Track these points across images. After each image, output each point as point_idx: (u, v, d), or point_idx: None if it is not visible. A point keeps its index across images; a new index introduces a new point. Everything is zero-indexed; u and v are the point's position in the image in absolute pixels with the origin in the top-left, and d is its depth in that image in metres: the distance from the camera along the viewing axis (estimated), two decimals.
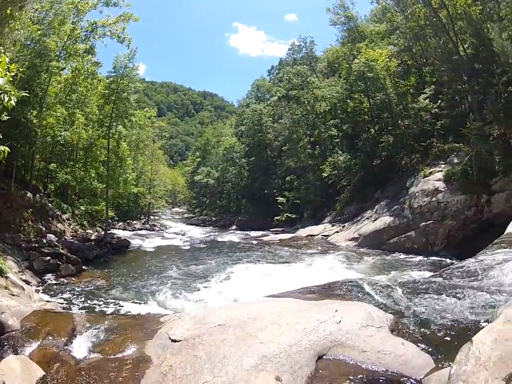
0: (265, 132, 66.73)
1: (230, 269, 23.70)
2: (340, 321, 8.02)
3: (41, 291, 18.20)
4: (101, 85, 38.17)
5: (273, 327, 7.83)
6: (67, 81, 36.01)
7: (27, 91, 9.90)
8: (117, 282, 20.97)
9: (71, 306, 16.32)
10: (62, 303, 16.21)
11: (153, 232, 51.54)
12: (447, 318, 9.13)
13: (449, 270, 14.72)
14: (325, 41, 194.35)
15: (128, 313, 14.83)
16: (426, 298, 10.65)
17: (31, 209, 27.46)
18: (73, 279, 21.25)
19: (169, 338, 7.95)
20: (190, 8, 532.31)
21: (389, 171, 39.27)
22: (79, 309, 15.78)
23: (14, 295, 11.88)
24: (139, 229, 52.39)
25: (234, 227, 60.72)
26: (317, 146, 54.86)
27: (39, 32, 28.37)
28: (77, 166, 38.92)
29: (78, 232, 33.24)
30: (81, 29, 33.44)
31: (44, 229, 27.40)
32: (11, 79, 5.43)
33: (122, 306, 16.40)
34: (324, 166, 46.90)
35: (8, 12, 14.95)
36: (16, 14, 20.22)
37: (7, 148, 5.64)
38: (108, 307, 16.30)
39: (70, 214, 35.57)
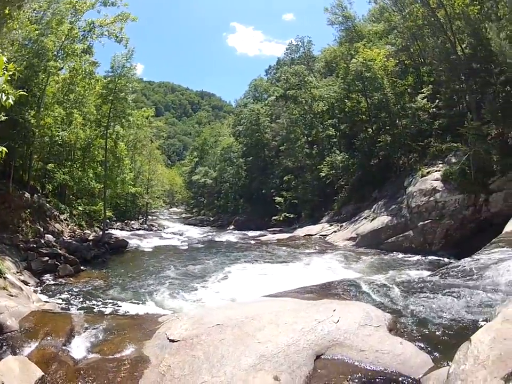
0: (263, 131, 66.84)
1: (227, 268, 23.66)
2: (338, 320, 8.04)
3: (39, 291, 18.17)
4: (98, 85, 38.03)
5: (271, 326, 7.85)
6: (65, 81, 35.95)
7: (25, 90, 9.87)
8: (115, 282, 20.93)
9: (70, 306, 16.27)
10: (60, 304, 16.17)
11: (151, 232, 51.53)
12: (445, 317, 9.14)
13: (447, 270, 14.75)
14: (322, 40, 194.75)
15: (127, 314, 14.80)
16: (424, 297, 10.67)
17: (29, 210, 27.41)
18: (71, 279, 21.19)
19: (168, 338, 7.97)
20: (187, 8, 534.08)
21: (386, 171, 39.29)
22: (77, 309, 15.73)
23: (12, 296, 11.88)
24: (137, 229, 52.42)
25: (232, 227, 60.77)
26: (315, 146, 54.85)
27: (37, 32, 28.36)
28: (75, 166, 38.84)
29: (76, 233, 33.19)
30: (79, 28, 33.36)
31: (41, 229, 27.38)
32: (9, 78, 5.43)
33: (120, 306, 16.36)
34: (322, 166, 46.96)
35: (7, 11, 14.97)
36: (15, 13, 20.22)
37: (4, 148, 5.63)
38: (106, 307, 16.26)
39: (68, 214, 35.53)
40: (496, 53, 27.76)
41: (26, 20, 27.68)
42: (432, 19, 36.78)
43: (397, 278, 17.02)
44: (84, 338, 8.51)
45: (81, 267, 23.59)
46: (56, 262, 22.33)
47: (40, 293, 17.71)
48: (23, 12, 25.65)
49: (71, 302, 17.02)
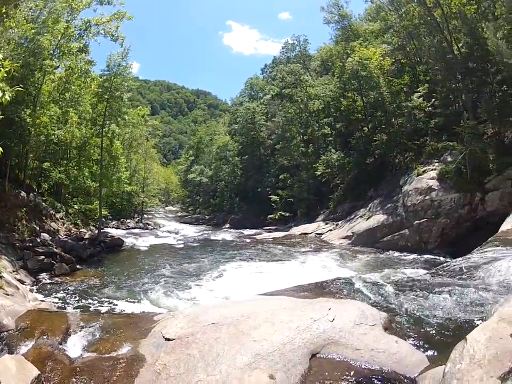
0: (259, 130, 66.86)
1: (222, 267, 23.77)
2: (334, 319, 8.07)
3: (35, 290, 18.16)
4: (94, 84, 38.09)
5: (267, 325, 7.88)
6: (61, 80, 35.96)
7: (21, 86, 9.87)
8: (110, 281, 20.94)
9: (66, 305, 16.30)
10: (56, 302, 16.22)
11: (147, 230, 51.55)
12: (440, 316, 9.17)
13: (443, 268, 14.87)
14: (318, 39, 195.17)
15: (122, 312, 14.83)
16: (420, 296, 10.67)
17: (25, 209, 27.42)
18: (67, 278, 21.20)
19: (163, 337, 7.99)
20: (183, 7, 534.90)
21: (382, 169, 39.38)
22: (73, 308, 15.75)
23: (8, 295, 11.88)
24: (132, 228, 52.42)
25: (227, 225, 60.67)
26: (310, 144, 54.87)
27: (33, 30, 28.35)
28: (71, 164, 38.73)
29: (72, 231, 33.12)
30: (75, 27, 33.37)
31: (37, 228, 27.34)
32: (5, 74, 5.41)
33: (116, 305, 16.39)
34: (317, 164, 46.94)
35: (4, 10, 14.96)
36: (11, 12, 20.20)
37: (0, 148, 5.61)
38: (102, 306, 16.29)
39: (64, 213, 35.46)
40: (492, 52, 27.85)
41: (23, 18, 27.68)
42: (429, 18, 36.80)
43: (393, 277, 17.03)
44: (79, 337, 8.51)
45: (77, 266, 23.65)
46: (52, 261, 22.38)
47: (36, 292, 17.72)
48: (20, 10, 25.66)
49: (67, 300, 17.04)
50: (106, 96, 34.17)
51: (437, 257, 25.12)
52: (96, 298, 17.39)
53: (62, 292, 18.27)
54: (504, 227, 20.34)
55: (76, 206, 39.04)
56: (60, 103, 35.21)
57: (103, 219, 42.94)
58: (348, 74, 42.11)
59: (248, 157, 67.89)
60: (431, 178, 29.68)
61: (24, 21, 28.00)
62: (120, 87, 34.75)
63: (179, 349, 7.40)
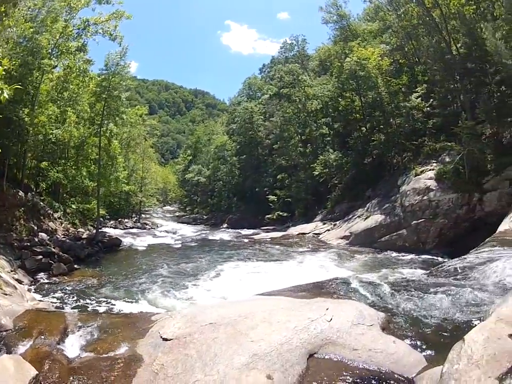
0: (256, 130, 66.91)
1: (220, 267, 23.78)
2: (331, 319, 8.04)
3: (33, 290, 18.15)
4: (92, 83, 38.06)
5: (264, 325, 7.85)
6: (59, 79, 35.93)
7: (20, 84, 9.87)
8: (108, 281, 20.93)
9: (63, 305, 16.30)
10: (54, 302, 16.21)
11: (145, 230, 51.69)
12: (438, 316, 9.14)
13: (440, 268, 14.94)
14: (317, 39, 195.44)
15: (120, 312, 14.82)
16: (417, 296, 10.66)
17: (23, 208, 27.41)
18: (65, 278, 21.22)
19: (161, 337, 7.96)
20: (182, 6, 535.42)
21: (380, 169, 39.43)
22: (71, 308, 15.77)
23: (6, 294, 11.84)
24: (130, 228, 52.53)
25: (225, 225, 60.70)
26: (308, 144, 54.84)
27: (32, 29, 28.35)
28: (69, 164, 38.67)
29: (70, 231, 33.11)
30: (73, 26, 33.35)
31: (35, 228, 27.35)
32: (4, 73, 5.41)
33: (114, 305, 16.39)
34: (315, 164, 47.09)
35: (3, 9, 14.95)
36: (10, 11, 20.19)
37: None
38: (100, 306, 16.28)
39: (62, 212, 35.46)
40: (491, 52, 27.89)
41: (21, 17, 27.69)
42: (427, 18, 36.90)
43: (390, 277, 17.05)
44: (77, 337, 8.48)
45: (75, 266, 23.64)
46: (50, 261, 22.41)
47: (34, 292, 17.70)
48: (18, 9, 25.63)
49: (65, 300, 17.05)
50: (104, 96, 34.14)
51: (435, 258, 25.13)
52: (94, 298, 17.39)
53: (60, 292, 18.26)
54: (502, 227, 20.43)
55: (73, 206, 39.05)
56: (58, 102, 35.13)
57: (101, 219, 42.99)
58: (346, 74, 42.15)
59: (246, 156, 67.94)
60: (429, 179, 29.74)
61: (23, 20, 28.03)
62: (118, 87, 34.73)
63: (177, 349, 7.38)
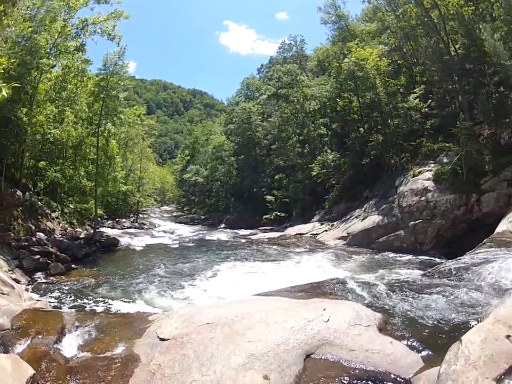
0: (254, 130, 66.86)
1: (217, 267, 23.81)
2: (328, 320, 8.06)
3: (30, 290, 18.17)
4: (90, 83, 38.13)
5: (261, 325, 7.88)
6: (57, 79, 35.99)
7: (19, 83, 9.89)
8: (105, 280, 20.92)
9: (61, 305, 16.29)
10: (51, 302, 16.22)
11: (142, 230, 51.51)
12: (435, 317, 9.17)
13: (438, 269, 14.97)
14: (315, 40, 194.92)
15: (117, 312, 14.81)
16: (415, 297, 10.72)
17: (20, 208, 27.38)
18: (62, 277, 21.22)
19: (158, 337, 7.97)
20: (181, 6, 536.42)
21: (378, 170, 39.51)
22: (68, 308, 15.76)
23: (4, 294, 11.84)
24: (128, 227, 52.35)
25: (223, 225, 60.69)
26: (306, 145, 54.98)
27: (30, 29, 28.32)
28: (66, 164, 38.68)
29: (67, 231, 33.07)
30: (72, 26, 33.35)
31: (33, 228, 27.30)
32: (2, 71, 5.42)
33: (111, 304, 16.37)
34: (313, 165, 46.94)
35: (2, 8, 14.94)
36: (9, 10, 20.18)
37: None
38: (97, 306, 16.27)
39: (59, 212, 35.41)
40: (489, 53, 27.98)
41: (20, 17, 27.67)
42: (426, 19, 36.91)
43: (388, 278, 17.10)
44: (75, 337, 8.50)
45: (73, 265, 23.61)
46: (48, 260, 22.39)
47: (31, 291, 17.71)
48: (17, 9, 25.62)
49: (62, 300, 17.04)
50: (102, 96, 34.08)
51: (432, 258, 25.09)
52: (91, 297, 17.38)
53: (57, 292, 18.25)
54: (499, 228, 20.52)
55: (71, 206, 39.04)
56: (56, 102, 35.18)
57: (99, 218, 42.85)
58: (344, 74, 42.22)
59: (243, 157, 67.96)
60: (426, 179, 29.74)
61: (22, 19, 28.01)
62: (116, 86, 34.69)
63: (174, 349, 7.40)
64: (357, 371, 6.77)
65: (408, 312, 9.54)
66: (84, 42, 34.56)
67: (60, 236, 30.16)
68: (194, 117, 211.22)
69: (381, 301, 10.56)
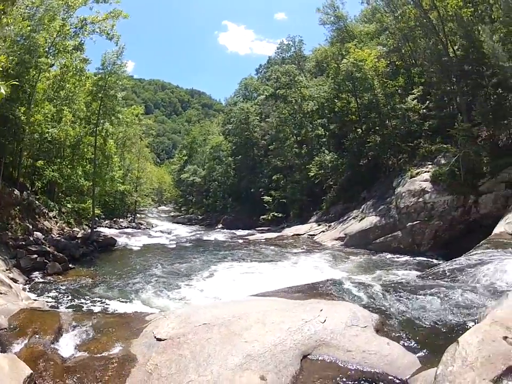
0: (252, 130, 66.93)
1: (214, 267, 23.85)
2: (325, 320, 8.05)
3: (28, 289, 18.17)
4: (88, 82, 38.17)
5: (258, 326, 7.87)
6: (55, 78, 36.05)
7: (17, 80, 9.92)
8: (102, 280, 20.96)
9: (58, 304, 16.33)
10: (49, 302, 16.25)
11: (140, 230, 51.67)
12: (432, 318, 9.17)
13: (435, 271, 15.05)
14: (314, 40, 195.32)
15: (115, 312, 14.83)
16: (412, 298, 10.70)
17: (18, 207, 27.42)
18: (59, 277, 21.26)
19: (155, 337, 7.97)
20: (179, 6, 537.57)
21: (375, 171, 39.49)
22: (65, 307, 15.81)
23: (1, 293, 11.84)
24: (125, 227, 52.57)
25: (220, 226, 60.73)
26: (304, 145, 55.09)
27: (29, 28, 28.34)
28: (64, 163, 38.65)
29: (65, 230, 33.13)
30: (70, 25, 33.45)
31: (31, 227, 27.37)
32: (1, 69, 5.43)
33: (108, 304, 16.41)
34: (311, 166, 47.05)
35: (1, 7, 14.93)
36: (8, 9, 20.18)
37: None
38: (95, 305, 16.30)
39: (57, 211, 35.44)
40: (488, 55, 28.00)
41: (19, 16, 27.67)
42: (425, 20, 36.93)
43: (385, 279, 17.25)
44: (72, 337, 8.48)
45: (70, 265, 23.63)
46: (45, 260, 22.45)
47: (28, 291, 17.73)
48: (16, 8, 25.62)
49: (60, 300, 17.09)
50: (100, 95, 34.26)
51: (430, 260, 25.11)
52: (88, 297, 17.41)
53: (55, 291, 18.29)
54: (497, 230, 20.55)
55: (69, 205, 39.09)
56: (55, 101, 35.26)
57: (96, 218, 43.06)
58: (343, 75, 42.22)
59: (241, 157, 68.00)
60: (424, 181, 29.74)
61: (21, 18, 28.01)
62: (114, 86, 34.88)
63: (170, 349, 7.40)
64: (354, 372, 6.77)
65: (405, 313, 9.54)
66: (82, 41, 34.68)
67: (57, 235, 30.19)
68: (192, 117, 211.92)
69: (378, 302, 10.53)
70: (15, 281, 17.47)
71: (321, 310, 8.43)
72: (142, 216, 75.20)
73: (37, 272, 21.35)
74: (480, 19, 32.27)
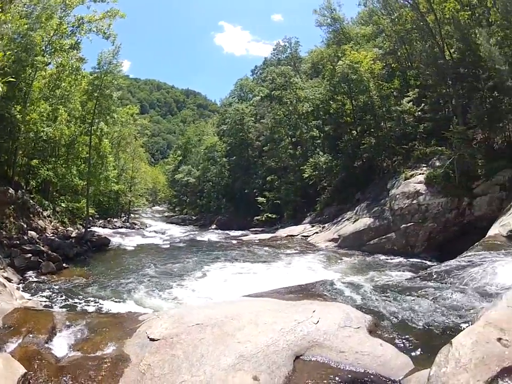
0: (247, 131, 67.08)
1: (206, 267, 23.98)
2: (318, 321, 8.09)
3: (21, 289, 18.19)
4: (84, 81, 38.07)
5: (251, 326, 7.90)
6: (51, 77, 35.93)
7: (13, 77, 9.90)
8: (96, 280, 21.00)
9: (52, 304, 16.37)
10: (42, 301, 16.27)
11: (133, 230, 51.72)
12: (425, 319, 9.24)
13: (428, 272, 15.20)
14: (310, 42, 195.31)
15: (108, 312, 14.89)
16: (405, 299, 10.79)
17: (13, 206, 27.29)
18: (53, 276, 21.30)
19: (148, 337, 7.97)
20: (176, 6, 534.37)
21: (370, 173, 39.66)
22: (59, 307, 15.84)
23: None
24: (119, 227, 52.57)
25: (214, 226, 60.77)
26: (299, 146, 55.27)
27: (26, 26, 28.28)
28: (59, 162, 38.56)
29: (59, 230, 33.00)
30: (67, 24, 33.38)
31: (25, 226, 27.26)
32: None
33: (102, 304, 16.46)
34: (305, 167, 47.16)
35: (0, 5, 14.96)
36: (6, 7, 20.17)
37: None
38: (88, 305, 16.35)
39: (51, 211, 35.39)
40: (484, 58, 28.07)
41: (17, 14, 27.63)
42: (421, 23, 37.07)
43: (378, 280, 17.36)
44: (65, 336, 8.50)
45: (64, 264, 23.66)
46: (39, 259, 22.44)
47: (22, 290, 17.74)
48: (14, 5, 25.61)
49: (53, 299, 17.13)
50: (96, 94, 34.24)
51: (424, 261, 25.23)
52: (82, 297, 17.46)
53: (49, 291, 18.33)
54: (491, 232, 20.67)
55: (63, 204, 39.01)
56: (50, 100, 35.08)
57: (90, 218, 43.02)
58: (338, 77, 42.19)
59: (236, 158, 68.13)
60: (418, 183, 29.87)
61: (18, 16, 27.97)
62: (110, 85, 34.88)
63: (163, 349, 7.41)
64: (347, 373, 6.80)
65: (398, 314, 9.59)
66: (79, 40, 34.57)
67: (52, 234, 30.15)
68: (187, 117, 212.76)
69: (371, 303, 10.59)
70: (9, 280, 17.44)
71: (314, 311, 8.47)
72: (136, 216, 75.22)
73: (31, 272, 21.36)
74: (477, 22, 32.41)
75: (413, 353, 7.54)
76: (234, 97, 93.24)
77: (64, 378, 6.82)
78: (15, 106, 27.55)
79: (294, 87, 56.35)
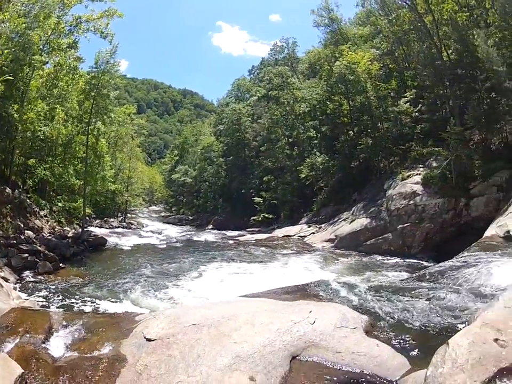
0: (244, 131, 67.10)
1: (203, 267, 23.97)
2: (314, 322, 8.09)
3: (18, 288, 18.16)
4: (81, 81, 37.94)
5: (247, 327, 7.90)
6: (49, 76, 35.90)
7: (11, 75, 9.91)
8: (93, 280, 20.99)
9: (49, 304, 16.33)
10: (39, 301, 16.26)
11: (130, 230, 51.78)
12: (421, 320, 9.25)
13: (424, 273, 15.15)
14: (307, 42, 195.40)
15: (105, 312, 14.86)
16: (401, 300, 10.80)
17: (9, 205, 27.21)
18: (50, 276, 21.26)
19: (144, 337, 7.98)
20: (174, 6, 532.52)
21: (367, 173, 39.75)
22: (56, 307, 15.80)
23: None
24: (116, 227, 52.52)
25: (210, 226, 60.88)
26: (295, 147, 55.32)
27: (24, 25, 28.25)
28: (56, 162, 38.40)
29: (56, 229, 32.93)
30: (65, 23, 33.38)
31: (22, 226, 27.17)
32: None
33: (98, 304, 16.42)
34: (302, 167, 47.31)
35: None
36: (4, 6, 20.22)
37: None
38: (85, 305, 16.32)
39: (48, 210, 35.36)
40: (482, 59, 28.06)
41: (15, 12, 27.63)
42: (419, 24, 37.05)
43: (374, 280, 17.38)
44: (62, 336, 8.50)
45: (60, 264, 23.59)
46: (36, 259, 22.35)
47: (19, 290, 17.71)
48: (12, 4, 25.63)
49: (50, 299, 17.10)
50: (93, 94, 34.02)
51: (420, 262, 25.30)
52: (78, 297, 17.44)
53: (45, 291, 18.31)
54: (488, 232, 20.71)
55: (60, 204, 38.95)
56: (48, 99, 35.12)
57: (87, 217, 42.84)
58: (335, 77, 42.38)
59: (232, 158, 68.18)
60: (415, 183, 29.92)
61: (16, 15, 27.96)
62: (107, 85, 34.67)
63: (160, 350, 7.42)
64: (343, 373, 6.80)
65: (395, 315, 9.59)
66: (76, 39, 34.66)
67: (48, 234, 30.07)
68: (184, 117, 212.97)
69: (368, 304, 10.59)
70: (6, 280, 17.41)
71: (310, 311, 8.48)
72: (133, 216, 75.04)
73: (28, 271, 21.30)
74: (475, 23, 32.44)
75: (409, 354, 7.53)
76: (231, 97, 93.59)
77: (61, 378, 6.81)
78: (13, 105, 27.58)
79: (291, 87, 56.45)
